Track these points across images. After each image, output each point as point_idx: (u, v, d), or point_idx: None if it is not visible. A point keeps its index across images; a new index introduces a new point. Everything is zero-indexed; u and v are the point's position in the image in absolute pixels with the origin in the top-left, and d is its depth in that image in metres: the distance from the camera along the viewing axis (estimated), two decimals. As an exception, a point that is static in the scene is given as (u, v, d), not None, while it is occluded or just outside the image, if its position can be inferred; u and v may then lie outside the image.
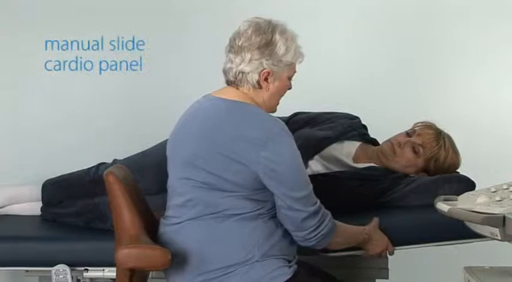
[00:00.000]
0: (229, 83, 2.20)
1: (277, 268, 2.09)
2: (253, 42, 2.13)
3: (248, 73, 2.14)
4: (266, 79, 2.15)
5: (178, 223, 2.14)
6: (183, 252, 2.10)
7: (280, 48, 2.13)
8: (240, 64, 2.14)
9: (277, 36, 2.14)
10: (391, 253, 2.42)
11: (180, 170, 2.16)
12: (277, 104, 2.22)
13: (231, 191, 2.07)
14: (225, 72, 2.20)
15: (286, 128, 2.11)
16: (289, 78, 2.20)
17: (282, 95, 2.21)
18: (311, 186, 2.13)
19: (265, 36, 2.13)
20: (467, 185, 2.51)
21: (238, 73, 2.15)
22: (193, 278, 2.09)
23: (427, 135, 2.73)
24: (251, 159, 2.04)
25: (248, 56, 2.13)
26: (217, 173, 2.07)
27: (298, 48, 2.18)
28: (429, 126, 2.77)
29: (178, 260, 2.09)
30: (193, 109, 2.22)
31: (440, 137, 2.74)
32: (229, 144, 2.06)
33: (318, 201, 2.13)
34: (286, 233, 2.14)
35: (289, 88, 2.22)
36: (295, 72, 2.21)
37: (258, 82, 2.14)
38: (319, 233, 2.12)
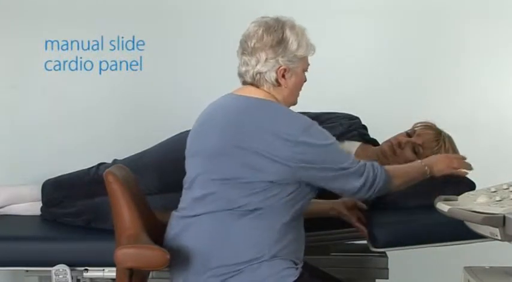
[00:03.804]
0: (246, 84, 2.22)
1: (285, 269, 2.10)
2: (266, 42, 2.16)
3: (266, 72, 2.17)
4: (283, 76, 2.18)
5: (193, 216, 2.14)
6: (194, 245, 2.10)
7: (293, 43, 2.17)
8: (256, 65, 2.17)
9: (288, 33, 2.17)
10: (468, 166, 2.42)
11: (202, 164, 2.16)
12: (297, 98, 2.25)
13: (252, 186, 2.08)
14: (241, 74, 2.22)
15: (313, 121, 2.14)
16: (304, 71, 2.23)
17: (300, 89, 2.25)
18: (349, 155, 2.17)
19: (276, 34, 2.16)
20: (467, 185, 2.51)
21: (256, 74, 2.18)
22: (202, 272, 2.09)
23: (427, 136, 2.74)
24: (284, 155, 2.05)
25: (263, 56, 2.16)
26: (241, 167, 2.08)
27: (309, 41, 2.22)
28: (429, 126, 2.78)
29: (187, 253, 2.10)
30: (216, 105, 2.23)
31: (440, 137, 2.74)
32: (256, 140, 2.07)
33: (359, 164, 2.14)
34: (297, 237, 2.16)
35: (305, 81, 2.25)
36: (308, 64, 2.24)
37: (277, 80, 2.17)
38: (375, 187, 2.16)
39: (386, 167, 2.25)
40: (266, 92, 2.18)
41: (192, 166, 2.21)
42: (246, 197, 2.08)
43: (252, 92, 2.19)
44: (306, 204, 2.18)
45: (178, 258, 2.11)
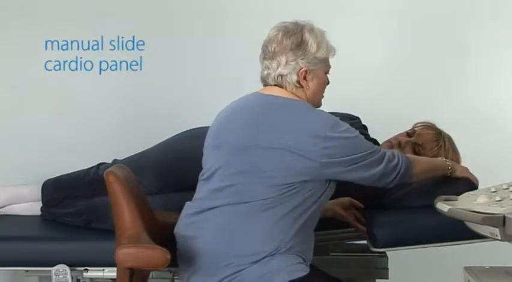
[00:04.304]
0: (269, 85, 2.26)
1: (297, 263, 2.12)
2: (285, 45, 2.20)
3: (287, 75, 2.21)
4: (305, 78, 2.22)
5: (211, 207, 2.16)
6: (211, 235, 2.13)
7: (312, 46, 2.21)
8: (277, 68, 2.22)
9: (306, 35, 2.21)
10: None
11: (224, 157, 2.18)
12: (321, 100, 2.29)
13: (275, 181, 2.10)
14: (264, 78, 2.26)
15: (336, 117, 2.18)
16: (326, 74, 2.28)
17: (323, 91, 2.29)
18: (372, 144, 2.21)
19: (296, 37, 2.21)
20: (466, 185, 2.51)
21: (278, 77, 2.22)
22: (218, 261, 2.11)
23: (427, 136, 2.74)
24: (311, 150, 2.09)
25: (283, 59, 2.20)
26: (267, 162, 2.10)
27: (329, 43, 2.26)
28: (429, 126, 2.78)
29: (203, 242, 2.12)
30: (242, 102, 2.26)
31: (440, 137, 2.74)
32: (283, 136, 2.10)
33: (380, 151, 2.20)
34: (310, 237, 2.21)
35: (328, 83, 2.29)
36: (330, 67, 2.28)
37: (298, 82, 2.21)
38: (398, 173, 2.21)
39: (408, 155, 2.33)
40: (290, 92, 2.22)
41: (213, 158, 2.23)
42: (265, 192, 2.11)
43: (276, 91, 2.23)
44: (323, 202, 2.21)
45: (191, 247, 2.13)
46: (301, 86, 2.22)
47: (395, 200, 2.61)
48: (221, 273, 2.10)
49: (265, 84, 2.27)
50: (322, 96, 2.29)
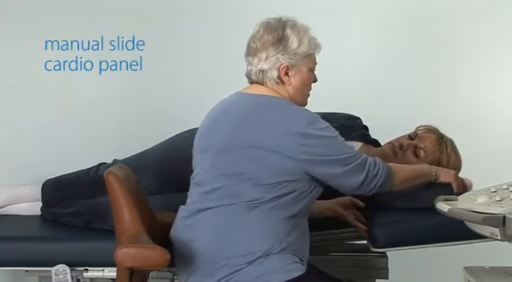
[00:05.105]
0: (253, 83, 2.25)
1: (293, 263, 2.12)
2: (266, 41, 2.20)
3: (267, 70, 2.20)
4: (286, 73, 2.21)
5: (203, 209, 2.16)
6: (204, 238, 2.13)
7: (293, 41, 2.20)
8: (258, 64, 2.21)
9: (288, 31, 2.20)
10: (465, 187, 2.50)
11: (212, 159, 2.18)
12: (306, 97, 2.28)
13: (261, 181, 2.10)
14: (248, 75, 2.26)
15: (316, 114, 2.16)
16: (311, 70, 2.25)
17: (309, 89, 2.27)
18: (352, 148, 2.20)
19: (277, 32, 2.20)
20: (445, 190, 2.46)
21: (259, 72, 2.21)
22: (213, 263, 2.11)
23: (430, 140, 2.71)
24: (290, 148, 2.08)
25: (264, 54, 2.20)
26: (250, 162, 2.10)
27: (313, 39, 2.24)
28: (432, 130, 2.75)
29: (197, 245, 2.12)
30: (225, 103, 2.26)
31: (442, 141, 2.72)
32: (264, 135, 2.10)
33: (361, 158, 2.17)
34: (304, 234, 2.19)
35: (314, 81, 2.27)
36: (316, 63, 2.27)
37: (279, 77, 2.20)
38: (376, 182, 2.18)
39: (389, 164, 2.27)
40: (271, 89, 2.21)
41: (200, 162, 2.23)
42: (253, 192, 2.11)
43: (257, 89, 2.22)
44: (313, 199, 2.20)
45: (186, 249, 2.13)
46: (283, 82, 2.21)
47: (395, 199, 2.60)
48: (218, 274, 2.10)
49: (250, 81, 2.26)
50: (308, 94, 2.27)
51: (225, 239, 2.12)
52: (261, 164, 2.10)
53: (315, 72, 2.28)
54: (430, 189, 2.44)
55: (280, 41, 2.19)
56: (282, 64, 2.19)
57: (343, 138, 2.19)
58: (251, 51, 2.22)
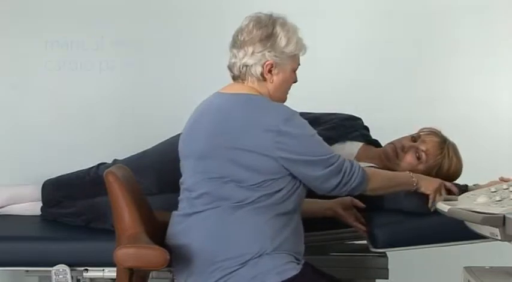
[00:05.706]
0: (235, 78, 2.24)
1: (286, 263, 2.11)
2: (255, 36, 2.17)
3: (251, 66, 2.18)
4: (270, 71, 2.19)
5: (193, 213, 2.16)
6: (196, 242, 2.12)
7: (282, 39, 2.18)
8: (243, 58, 2.19)
9: (278, 29, 2.18)
10: (455, 192, 2.41)
11: (194, 165, 2.18)
12: (285, 96, 2.25)
13: (245, 182, 2.09)
14: (230, 67, 2.24)
15: (295, 111, 2.13)
16: (294, 71, 2.23)
17: (288, 88, 2.25)
18: (329, 148, 2.16)
19: (266, 29, 2.18)
20: (419, 202, 2.46)
21: (242, 67, 2.19)
22: (206, 267, 2.11)
23: (432, 143, 2.69)
24: (267, 146, 2.07)
25: (250, 49, 2.17)
26: (232, 165, 2.09)
27: (300, 40, 2.22)
28: (435, 133, 2.73)
29: (190, 250, 2.12)
30: (204, 105, 2.25)
31: (444, 145, 2.69)
32: (242, 136, 2.09)
33: (338, 160, 2.13)
34: (296, 231, 2.17)
35: (295, 81, 2.25)
36: (299, 64, 2.24)
37: (262, 74, 2.18)
38: (349, 185, 2.15)
39: (367, 168, 2.25)
40: (250, 86, 2.20)
41: (185, 168, 2.24)
42: (238, 193, 2.10)
43: (236, 88, 2.21)
44: (301, 195, 2.18)
45: (181, 255, 2.13)
46: (265, 80, 2.19)
47: (391, 202, 2.58)
48: (212, 278, 2.10)
49: (232, 75, 2.23)
50: (285, 95, 2.25)
51: (216, 242, 2.11)
52: (242, 166, 2.09)
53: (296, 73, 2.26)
54: (407, 198, 2.44)
55: (269, 38, 2.17)
56: (267, 61, 2.17)
57: (320, 138, 2.16)
58: (237, 44, 2.20)
